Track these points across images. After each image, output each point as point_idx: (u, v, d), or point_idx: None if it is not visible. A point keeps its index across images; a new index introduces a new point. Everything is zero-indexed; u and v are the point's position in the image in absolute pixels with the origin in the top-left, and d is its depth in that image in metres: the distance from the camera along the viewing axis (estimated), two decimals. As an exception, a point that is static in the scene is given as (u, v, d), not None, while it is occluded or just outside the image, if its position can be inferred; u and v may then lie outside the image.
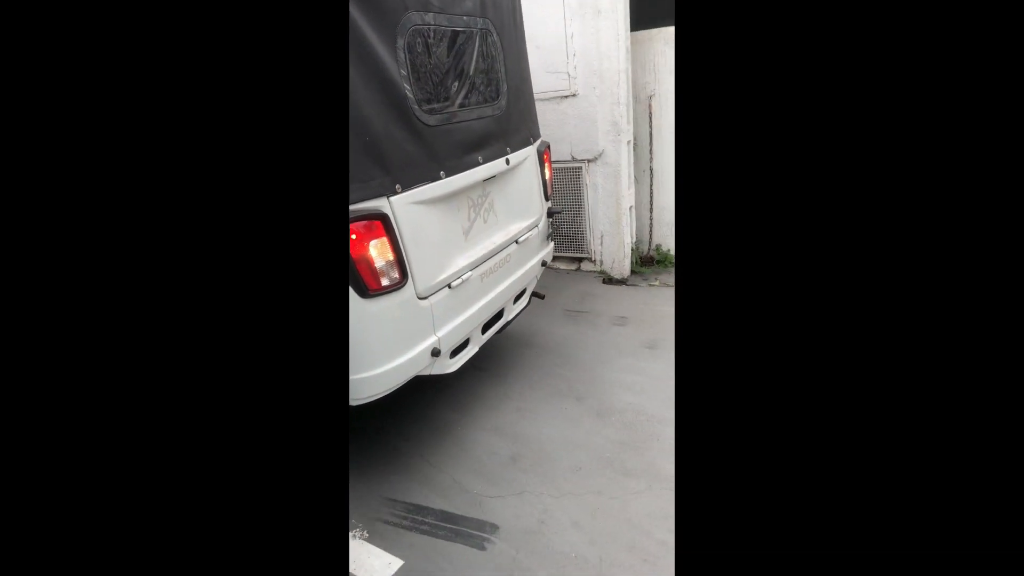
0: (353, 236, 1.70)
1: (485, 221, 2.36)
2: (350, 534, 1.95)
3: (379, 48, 1.76)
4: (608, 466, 2.16)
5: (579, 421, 2.45)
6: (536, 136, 2.75)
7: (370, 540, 1.93)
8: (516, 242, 2.52)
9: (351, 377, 1.82)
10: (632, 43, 3.69)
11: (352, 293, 1.73)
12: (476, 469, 2.23)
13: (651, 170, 4.00)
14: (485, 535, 1.91)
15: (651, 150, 3.96)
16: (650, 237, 4.13)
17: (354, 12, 1.66)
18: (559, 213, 3.48)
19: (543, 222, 2.79)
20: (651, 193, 4.04)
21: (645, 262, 4.08)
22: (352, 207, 1.71)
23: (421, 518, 2.01)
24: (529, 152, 2.65)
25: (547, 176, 2.82)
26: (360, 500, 2.10)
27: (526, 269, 2.63)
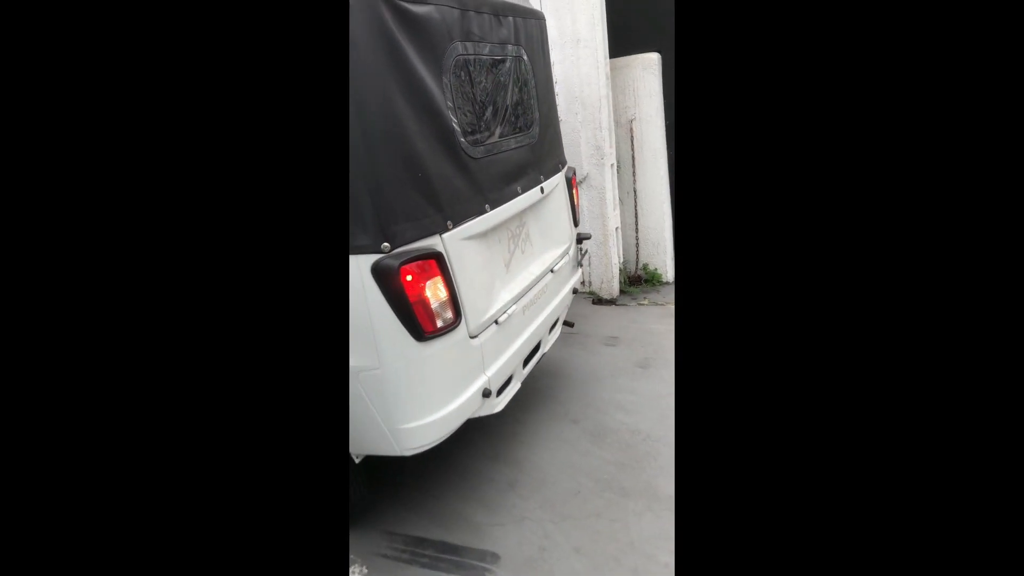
0: (408, 277, 1.62)
1: (523, 252, 2.30)
2: (350, 570, 1.91)
3: (428, 80, 1.71)
4: (607, 488, 2.16)
5: (575, 443, 2.45)
6: (563, 162, 2.72)
7: None
8: (552, 271, 2.45)
9: (405, 426, 1.74)
10: (611, 69, 3.79)
11: (407, 337, 1.67)
12: (475, 497, 2.21)
13: (635, 191, 4.08)
14: (486, 565, 1.89)
15: (634, 172, 4.04)
16: (637, 257, 4.19)
17: (404, 44, 1.63)
18: (588, 238, 3.40)
19: (573, 248, 2.74)
20: (636, 214, 4.11)
21: (633, 282, 4.13)
22: (407, 247, 1.64)
23: (421, 551, 1.99)
24: (559, 179, 2.62)
25: (575, 201, 2.77)
26: (359, 535, 2.07)
27: (560, 298, 2.56)
